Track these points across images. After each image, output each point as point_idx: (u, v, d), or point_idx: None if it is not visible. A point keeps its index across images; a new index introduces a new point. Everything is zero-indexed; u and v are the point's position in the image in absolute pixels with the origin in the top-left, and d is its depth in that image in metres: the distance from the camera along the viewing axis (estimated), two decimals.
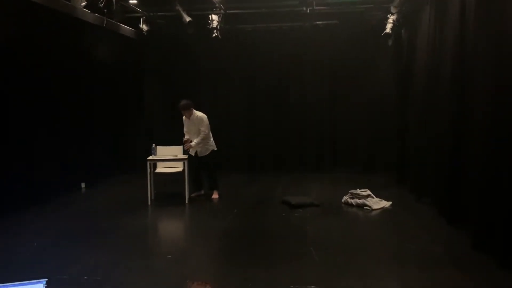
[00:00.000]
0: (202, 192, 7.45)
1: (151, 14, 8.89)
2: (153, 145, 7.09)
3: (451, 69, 5.72)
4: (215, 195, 7.30)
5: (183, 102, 6.98)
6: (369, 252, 4.79)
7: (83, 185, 8.01)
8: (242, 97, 9.96)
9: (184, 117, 7.10)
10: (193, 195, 7.28)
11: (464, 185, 5.34)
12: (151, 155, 7.02)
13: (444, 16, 6.15)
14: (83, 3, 7.10)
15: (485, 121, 4.62)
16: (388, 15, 8.11)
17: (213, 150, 7.23)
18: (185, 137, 7.05)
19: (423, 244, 4.98)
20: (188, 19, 8.14)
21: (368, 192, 6.80)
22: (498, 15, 4.37)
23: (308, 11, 8.25)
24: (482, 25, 4.77)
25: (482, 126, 4.69)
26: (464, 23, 5.35)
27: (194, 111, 7.02)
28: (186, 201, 6.98)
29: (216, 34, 8.57)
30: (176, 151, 7.19)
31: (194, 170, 7.26)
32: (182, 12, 8.09)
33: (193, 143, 6.90)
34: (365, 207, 6.56)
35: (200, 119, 6.99)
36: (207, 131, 7.00)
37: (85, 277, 4.10)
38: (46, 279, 2.25)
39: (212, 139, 7.24)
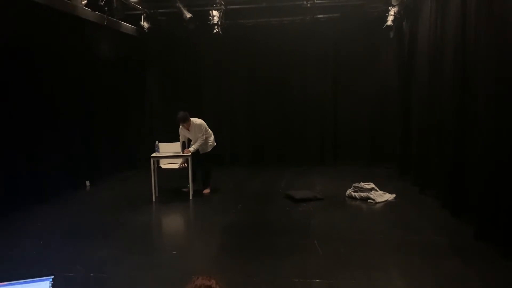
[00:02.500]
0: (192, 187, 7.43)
1: (152, 11, 8.88)
2: (156, 142, 7.11)
3: (453, 60, 5.71)
4: (207, 190, 7.33)
5: (182, 114, 6.95)
6: (373, 245, 4.81)
7: (87, 183, 8.04)
8: (245, 92, 9.98)
9: (181, 127, 7.09)
10: (185, 189, 7.25)
11: (467, 177, 5.34)
12: (154, 152, 7.05)
13: (445, 7, 6.12)
14: (84, 1, 7.14)
15: (488, 113, 4.62)
16: (389, 7, 8.08)
17: (213, 147, 7.32)
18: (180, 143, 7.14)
19: (427, 236, 5.01)
20: (188, 15, 8.14)
21: (372, 185, 6.80)
22: (499, 6, 4.36)
23: (309, 5, 8.23)
24: (484, 16, 4.75)
25: (485, 118, 4.69)
26: (465, 14, 5.34)
27: (191, 119, 7.04)
28: (190, 197, 7.01)
29: (217, 30, 8.57)
30: (178, 147, 7.19)
31: (193, 166, 7.27)
32: (182, 8, 8.08)
33: (191, 149, 6.95)
34: (369, 200, 6.57)
35: (199, 126, 7.03)
36: (204, 137, 7.05)
37: (91, 274, 4.15)
38: (52, 277, 2.28)
39: (212, 137, 7.32)
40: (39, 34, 6.83)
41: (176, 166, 7.28)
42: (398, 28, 8.55)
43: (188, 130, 7.07)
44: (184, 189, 7.26)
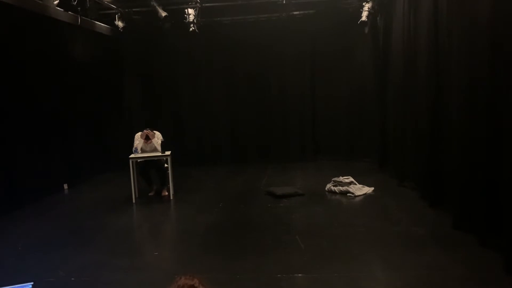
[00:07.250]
0: (154, 188, 7.37)
1: (127, 10, 8.76)
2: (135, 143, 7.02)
3: (427, 55, 5.81)
4: (165, 192, 7.21)
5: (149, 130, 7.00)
6: (354, 237, 4.87)
7: (65, 186, 7.91)
8: (224, 90, 9.95)
9: (138, 138, 7.00)
10: (151, 194, 7.23)
11: (444, 168, 5.45)
12: (133, 152, 6.96)
13: (417, 3, 6.21)
14: (56, 1, 6.99)
15: (462, 107, 4.72)
16: (364, 3, 8.15)
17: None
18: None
19: (406, 227, 5.10)
20: (164, 14, 8.06)
21: (351, 179, 6.88)
22: (470, 3, 4.45)
23: (284, 2, 8.24)
24: (455, 14, 4.85)
25: (459, 112, 4.79)
26: (437, 12, 5.43)
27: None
28: (171, 197, 6.97)
29: (193, 28, 8.50)
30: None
31: (144, 169, 7.20)
32: (157, 7, 8.00)
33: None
34: (348, 194, 6.64)
35: (158, 134, 7.08)
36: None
37: (72, 278, 4.09)
38: (32, 283, 2.25)
39: None
40: (10, 35, 6.67)
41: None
42: (372, 23, 8.63)
43: (150, 141, 6.98)
44: (151, 193, 7.23)
